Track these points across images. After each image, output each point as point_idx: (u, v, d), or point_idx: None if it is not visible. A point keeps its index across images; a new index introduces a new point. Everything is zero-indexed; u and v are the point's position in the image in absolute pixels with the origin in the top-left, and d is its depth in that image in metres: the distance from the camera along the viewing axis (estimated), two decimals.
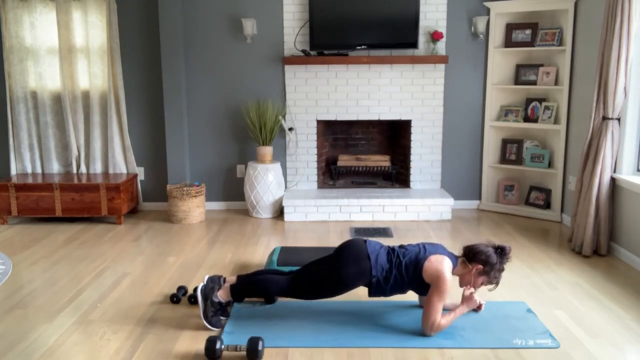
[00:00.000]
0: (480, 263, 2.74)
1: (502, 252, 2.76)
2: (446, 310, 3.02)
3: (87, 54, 5.07)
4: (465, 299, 2.85)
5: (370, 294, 2.85)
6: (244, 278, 3.03)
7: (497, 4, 4.96)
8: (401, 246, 2.89)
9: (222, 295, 2.88)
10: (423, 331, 2.76)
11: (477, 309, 3.02)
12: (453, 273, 2.79)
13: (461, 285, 2.85)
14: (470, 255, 2.78)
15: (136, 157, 5.33)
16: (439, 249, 2.84)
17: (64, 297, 3.29)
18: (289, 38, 5.12)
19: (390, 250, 2.85)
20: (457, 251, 2.93)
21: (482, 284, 2.79)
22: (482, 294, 3.30)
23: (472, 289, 2.89)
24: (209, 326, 2.84)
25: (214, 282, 2.90)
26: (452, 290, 3.32)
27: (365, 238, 2.90)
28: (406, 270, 2.77)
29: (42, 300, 3.24)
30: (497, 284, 2.80)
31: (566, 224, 4.80)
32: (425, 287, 2.77)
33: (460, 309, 2.83)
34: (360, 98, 5.20)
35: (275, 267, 3.43)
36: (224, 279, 2.97)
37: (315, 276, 2.83)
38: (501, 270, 2.77)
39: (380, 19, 4.93)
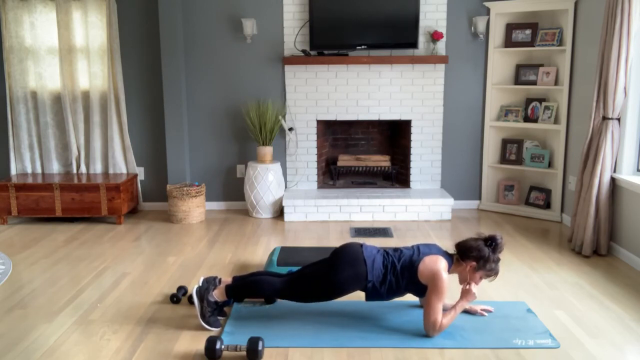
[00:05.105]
0: (473, 260, 2.73)
1: (492, 243, 2.73)
2: (446, 311, 3.02)
3: (87, 54, 5.07)
4: (464, 293, 2.79)
5: (367, 299, 2.85)
6: (239, 278, 3.03)
7: (497, 4, 4.96)
8: (396, 250, 2.88)
9: (217, 295, 2.88)
10: (426, 333, 2.76)
11: (483, 311, 3.02)
12: (450, 272, 2.79)
13: (461, 282, 2.83)
14: (462, 253, 2.76)
15: (136, 157, 5.33)
16: (432, 249, 2.83)
17: (64, 297, 3.29)
18: (289, 38, 5.12)
19: (386, 255, 2.84)
20: (452, 250, 2.92)
21: (480, 278, 2.77)
22: (483, 294, 3.30)
23: (487, 313, 2.95)
24: (207, 326, 2.84)
25: (209, 283, 2.91)
26: (451, 290, 3.33)
27: (362, 242, 2.89)
28: (402, 274, 2.77)
29: (42, 300, 3.24)
30: (496, 274, 2.77)
31: (566, 224, 4.80)
32: (422, 289, 2.77)
33: (460, 304, 2.79)
34: (360, 98, 5.20)
35: (275, 267, 3.44)
36: (219, 280, 2.97)
37: (310, 279, 2.81)
38: (496, 260, 2.74)
39: (380, 19, 4.93)
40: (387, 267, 2.78)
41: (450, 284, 3.39)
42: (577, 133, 4.64)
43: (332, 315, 2.99)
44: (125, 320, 2.97)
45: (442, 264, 2.73)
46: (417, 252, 2.81)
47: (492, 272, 2.76)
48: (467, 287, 2.80)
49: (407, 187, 5.38)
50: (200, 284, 2.91)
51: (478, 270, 2.74)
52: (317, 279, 2.79)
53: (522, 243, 4.30)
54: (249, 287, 2.90)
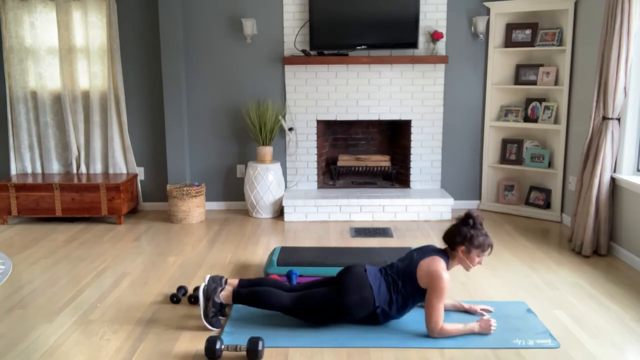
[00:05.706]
0: (460, 244, 2.75)
1: (469, 219, 2.76)
2: (446, 311, 3.02)
3: (87, 54, 5.07)
4: (483, 322, 2.80)
5: (381, 322, 2.84)
6: (246, 285, 3.02)
7: (497, 4, 4.96)
8: (391, 266, 2.88)
9: (224, 297, 2.88)
10: (428, 333, 2.76)
11: (483, 311, 3.02)
12: (449, 268, 2.79)
13: (466, 269, 2.82)
14: (449, 243, 2.80)
15: (136, 157, 5.33)
16: (426, 252, 2.83)
17: (64, 297, 3.29)
18: (289, 38, 5.12)
19: (386, 275, 2.84)
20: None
21: (478, 256, 2.77)
22: (483, 294, 3.30)
23: (487, 313, 2.95)
24: (209, 326, 2.84)
25: (216, 283, 2.89)
26: (451, 291, 3.33)
27: (364, 266, 2.88)
28: (404, 288, 2.77)
29: (42, 300, 3.24)
30: (490, 247, 2.76)
31: (566, 224, 4.80)
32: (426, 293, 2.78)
33: (472, 327, 2.78)
34: (360, 98, 5.20)
35: (275, 267, 3.43)
36: (226, 280, 2.97)
37: (318, 303, 2.80)
38: (484, 234, 2.75)
39: (380, 19, 4.93)
40: (390, 288, 2.80)
41: (449, 285, 3.39)
42: (577, 133, 4.64)
43: None
44: (125, 320, 2.97)
45: (439, 263, 2.73)
46: (411, 260, 2.82)
47: (485, 247, 2.75)
48: (488, 318, 2.80)
49: (407, 187, 5.38)
50: (207, 283, 2.89)
51: (470, 252, 2.75)
52: (325, 303, 2.79)
53: (522, 243, 4.30)
54: (257, 299, 2.88)
